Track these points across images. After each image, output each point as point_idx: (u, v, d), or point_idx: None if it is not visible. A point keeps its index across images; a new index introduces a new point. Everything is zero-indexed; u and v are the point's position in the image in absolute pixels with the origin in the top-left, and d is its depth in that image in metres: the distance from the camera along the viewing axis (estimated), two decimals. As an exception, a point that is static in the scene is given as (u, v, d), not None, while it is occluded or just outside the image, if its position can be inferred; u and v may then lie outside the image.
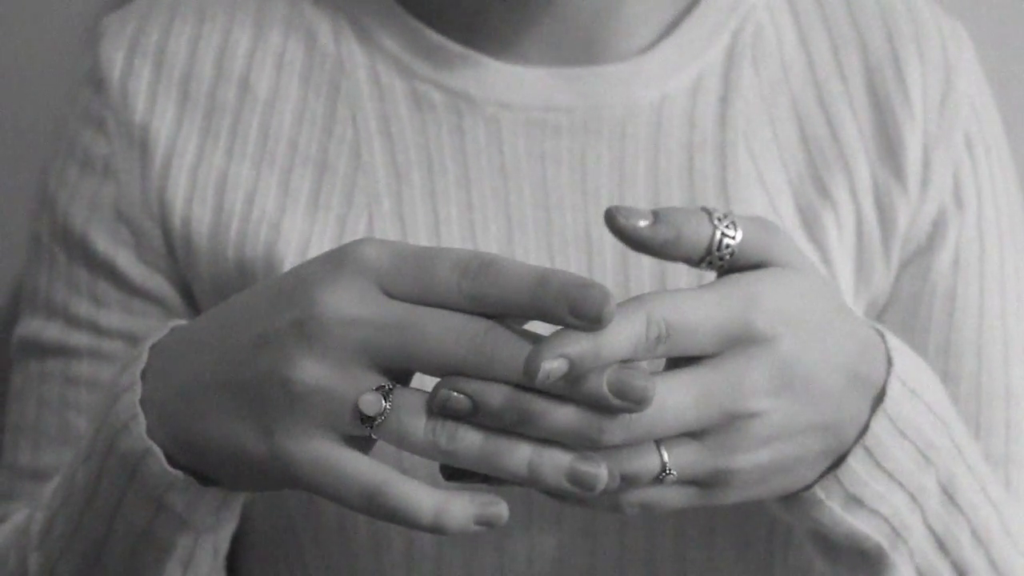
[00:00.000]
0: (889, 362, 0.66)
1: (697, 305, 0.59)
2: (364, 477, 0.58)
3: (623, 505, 0.61)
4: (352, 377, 0.57)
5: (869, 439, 0.65)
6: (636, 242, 0.60)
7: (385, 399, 0.57)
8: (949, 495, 0.68)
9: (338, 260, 0.59)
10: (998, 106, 0.85)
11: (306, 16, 0.81)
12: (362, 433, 0.58)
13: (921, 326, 0.81)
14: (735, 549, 0.77)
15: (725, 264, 0.62)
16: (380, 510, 0.58)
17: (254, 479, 0.62)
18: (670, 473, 0.60)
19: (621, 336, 0.57)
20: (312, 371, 0.58)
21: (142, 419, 0.63)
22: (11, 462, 0.81)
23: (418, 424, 0.57)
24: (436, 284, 0.58)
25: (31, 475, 0.80)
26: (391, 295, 0.58)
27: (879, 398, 0.65)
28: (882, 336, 0.67)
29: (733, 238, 0.61)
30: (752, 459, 0.61)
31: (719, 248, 0.61)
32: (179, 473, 0.63)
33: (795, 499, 0.66)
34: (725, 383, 0.59)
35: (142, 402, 0.63)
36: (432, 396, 0.57)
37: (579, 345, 0.56)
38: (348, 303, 0.58)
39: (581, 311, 0.56)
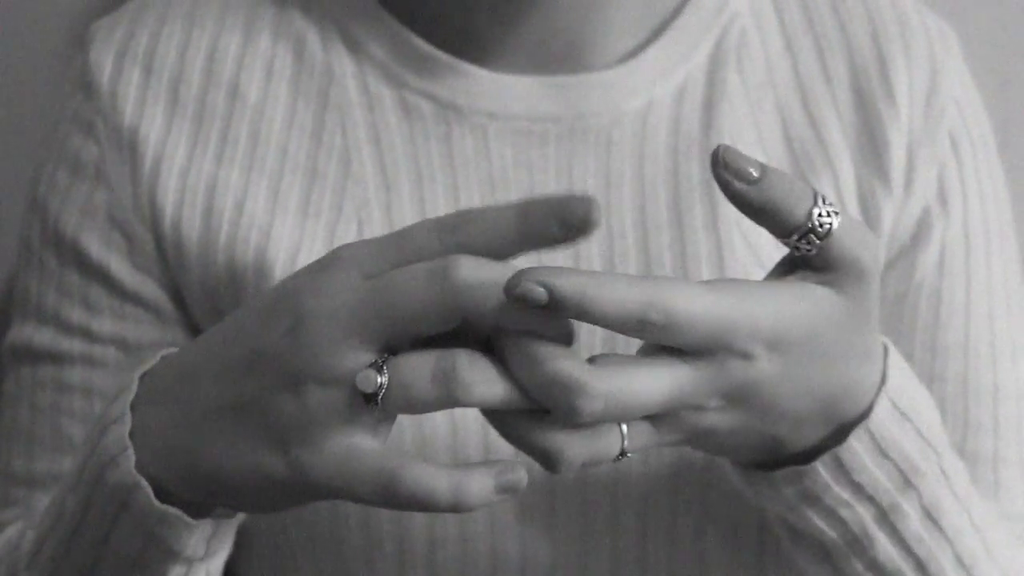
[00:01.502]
0: (883, 380, 0.65)
1: (699, 304, 0.58)
2: (377, 470, 0.57)
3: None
4: (346, 359, 0.57)
5: (843, 451, 0.64)
6: (725, 191, 0.60)
7: (381, 372, 0.57)
8: (933, 520, 0.68)
9: (321, 264, 0.59)
10: (993, 107, 0.85)
11: (295, 23, 0.81)
12: (370, 413, 0.57)
13: (907, 326, 0.81)
14: (726, 543, 0.77)
15: (802, 253, 0.61)
16: (397, 499, 0.57)
17: (271, 498, 0.61)
18: (626, 455, 0.60)
19: (613, 290, 0.57)
20: (311, 367, 0.57)
21: (131, 453, 0.63)
22: (5, 469, 0.82)
23: (421, 382, 0.57)
24: (416, 248, 0.58)
25: (26, 482, 0.80)
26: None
27: (864, 415, 0.65)
28: (885, 355, 0.66)
29: (821, 238, 0.60)
30: (687, 439, 0.61)
31: (802, 239, 0.60)
32: (167, 508, 0.63)
33: (754, 476, 0.66)
34: (696, 382, 0.59)
35: (132, 434, 0.63)
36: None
37: (569, 282, 0.56)
38: (330, 296, 0.57)
39: (568, 219, 0.57)
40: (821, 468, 0.65)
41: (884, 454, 0.65)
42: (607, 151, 0.78)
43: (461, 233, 0.57)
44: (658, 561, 0.77)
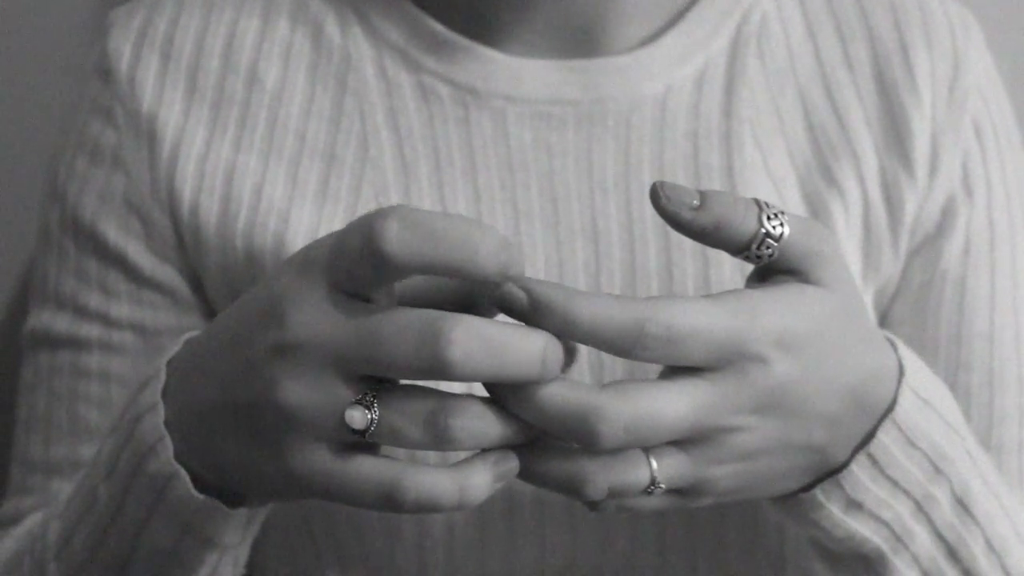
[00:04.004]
0: (900, 371, 0.65)
1: (699, 316, 0.58)
2: (376, 477, 0.57)
3: (603, 506, 0.60)
4: (333, 393, 0.56)
5: (874, 447, 0.64)
6: (674, 224, 0.60)
7: (370, 409, 0.56)
8: (964, 506, 0.68)
9: (300, 267, 0.58)
10: (1009, 93, 0.85)
11: (313, 9, 0.81)
12: (360, 442, 0.57)
13: (932, 315, 0.80)
14: (746, 526, 0.77)
15: (764, 260, 0.61)
16: (402, 505, 0.57)
17: (276, 493, 0.62)
18: (659, 486, 0.59)
19: (601, 303, 0.56)
20: (296, 392, 0.57)
21: (169, 442, 0.63)
22: (22, 456, 0.82)
23: (412, 424, 0.56)
24: (348, 261, 0.56)
25: (43, 468, 0.80)
26: (348, 292, 0.57)
27: (889, 408, 0.64)
28: (893, 346, 0.66)
29: (776, 240, 0.60)
30: (732, 470, 0.61)
31: (760, 246, 0.60)
32: (205, 498, 0.63)
33: (794, 501, 0.66)
34: (719, 398, 0.59)
35: (166, 423, 0.63)
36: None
37: (554, 291, 0.55)
38: (314, 319, 0.56)
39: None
40: (856, 468, 0.64)
41: (913, 444, 0.65)
42: (626, 135, 0.78)
43: (380, 232, 0.55)
44: (676, 542, 0.77)
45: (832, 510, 0.65)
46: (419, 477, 0.56)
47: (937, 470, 0.66)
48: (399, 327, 0.55)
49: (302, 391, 0.57)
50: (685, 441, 0.59)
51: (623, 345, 0.57)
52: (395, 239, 0.55)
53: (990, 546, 0.69)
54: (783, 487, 0.64)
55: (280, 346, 0.57)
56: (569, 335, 0.56)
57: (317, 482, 0.58)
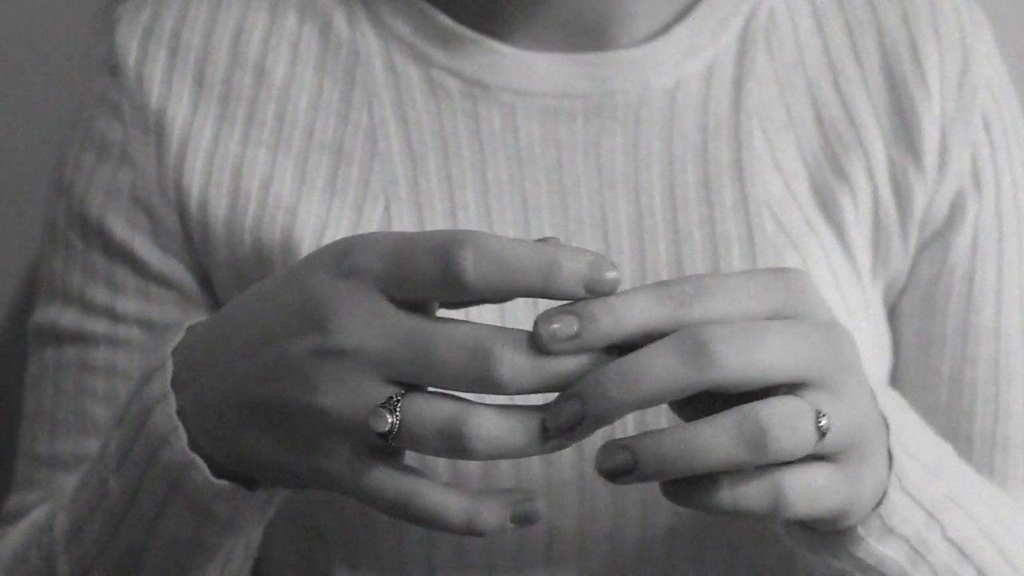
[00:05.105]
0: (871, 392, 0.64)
1: (731, 276, 0.57)
2: (394, 488, 0.57)
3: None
4: (369, 395, 0.56)
5: (896, 465, 0.63)
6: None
7: (392, 412, 0.56)
8: (956, 502, 0.67)
9: (341, 270, 0.58)
10: (1015, 90, 0.85)
11: (321, 3, 0.81)
12: (384, 446, 0.57)
13: (940, 309, 0.81)
14: (755, 531, 0.77)
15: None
16: (413, 518, 0.58)
17: (297, 484, 0.62)
18: (821, 423, 0.57)
19: (636, 296, 0.56)
20: (334, 396, 0.57)
21: (182, 432, 0.63)
22: (28, 450, 0.82)
23: (430, 435, 0.56)
24: (417, 271, 0.56)
25: (48, 463, 0.80)
26: (396, 301, 0.57)
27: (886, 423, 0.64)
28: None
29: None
30: (848, 422, 0.58)
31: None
32: (224, 483, 0.63)
33: (834, 537, 0.64)
34: (797, 334, 0.56)
35: (179, 413, 0.63)
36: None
37: (590, 304, 0.55)
38: (361, 326, 0.56)
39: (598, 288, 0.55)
40: (892, 493, 0.63)
41: (914, 456, 0.65)
42: (635, 129, 0.78)
43: (481, 270, 0.55)
44: (685, 532, 0.77)
45: (870, 542, 0.64)
46: (433, 495, 0.57)
47: (934, 472, 0.66)
48: (451, 341, 0.55)
49: (340, 395, 0.57)
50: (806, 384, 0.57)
51: (663, 319, 0.56)
52: (473, 270, 0.55)
53: (989, 534, 0.69)
54: (867, 499, 0.62)
55: (323, 350, 0.57)
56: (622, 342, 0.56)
57: (342, 482, 0.58)
